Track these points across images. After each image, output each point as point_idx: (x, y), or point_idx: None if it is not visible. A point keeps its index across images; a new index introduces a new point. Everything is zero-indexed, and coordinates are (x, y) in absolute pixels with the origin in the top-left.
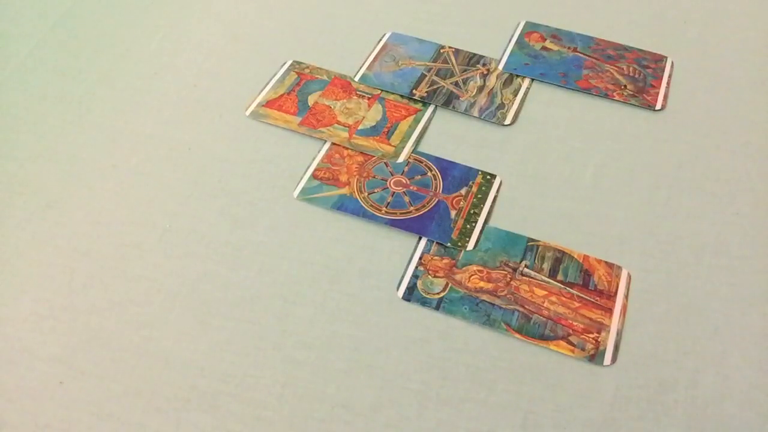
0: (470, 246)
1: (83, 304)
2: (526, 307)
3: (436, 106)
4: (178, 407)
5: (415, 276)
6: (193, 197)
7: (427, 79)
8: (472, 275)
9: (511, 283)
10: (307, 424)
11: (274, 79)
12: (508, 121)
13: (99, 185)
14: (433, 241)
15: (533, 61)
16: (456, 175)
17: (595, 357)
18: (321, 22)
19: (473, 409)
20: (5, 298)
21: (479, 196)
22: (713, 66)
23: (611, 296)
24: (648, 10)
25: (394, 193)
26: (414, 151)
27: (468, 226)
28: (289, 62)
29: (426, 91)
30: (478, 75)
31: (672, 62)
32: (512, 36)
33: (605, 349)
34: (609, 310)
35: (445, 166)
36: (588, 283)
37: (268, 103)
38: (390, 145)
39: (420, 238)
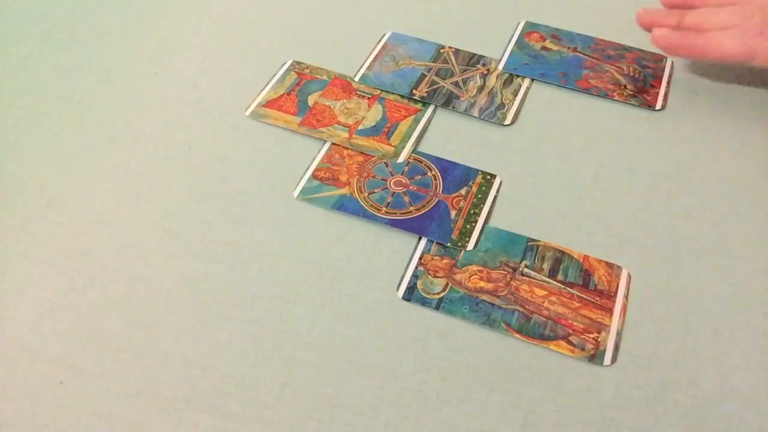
0: (470, 246)
1: (83, 304)
2: (526, 307)
3: (436, 106)
4: (178, 407)
5: (415, 276)
6: (193, 197)
7: (427, 79)
8: (472, 275)
9: (511, 283)
10: (307, 424)
11: (274, 79)
12: (508, 121)
13: (99, 185)
14: (433, 241)
15: (533, 61)
16: (456, 175)
17: (595, 357)
18: (321, 22)
19: (473, 409)
20: (5, 298)
21: (479, 196)
22: (713, 66)
23: (611, 296)
24: None
25: (394, 193)
26: (414, 151)
27: (468, 226)
28: (289, 62)
29: (426, 91)
30: (478, 75)
31: (672, 62)
32: (512, 36)
33: (605, 349)
34: (609, 310)
35: (445, 166)
36: (588, 283)
37: (268, 103)
38: (390, 145)
39: (420, 238)
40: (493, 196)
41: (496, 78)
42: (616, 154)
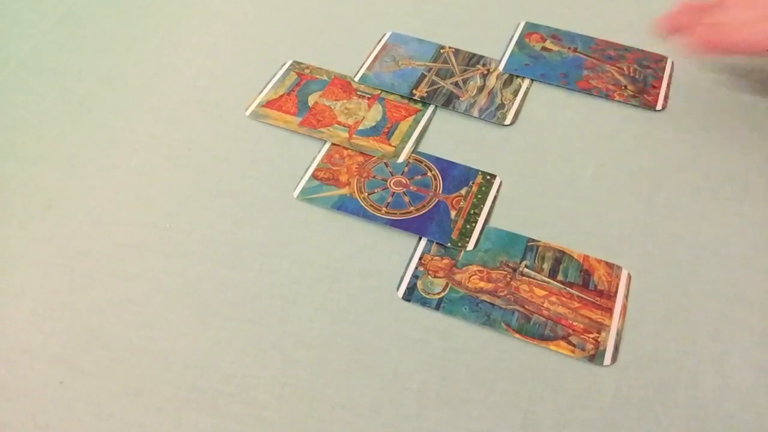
0: (470, 246)
1: (83, 304)
2: (526, 307)
3: (436, 106)
4: (178, 407)
5: (415, 276)
6: (193, 197)
7: (427, 79)
8: (472, 275)
9: (511, 283)
10: (307, 424)
11: (274, 79)
12: (508, 122)
13: (99, 185)
14: (433, 241)
15: (533, 62)
16: (456, 175)
17: (595, 357)
18: (321, 22)
19: (473, 409)
20: (5, 298)
21: (479, 196)
22: (713, 66)
23: (611, 296)
24: (648, 10)
25: (394, 193)
26: (414, 151)
27: (468, 226)
28: (289, 62)
29: (426, 92)
30: (478, 75)
31: (672, 62)
32: (512, 36)
33: (605, 349)
34: (609, 310)
35: (445, 166)
36: (588, 283)
37: (268, 104)
38: (390, 145)
39: (420, 238)
40: (493, 196)
41: (496, 78)
42: (616, 155)
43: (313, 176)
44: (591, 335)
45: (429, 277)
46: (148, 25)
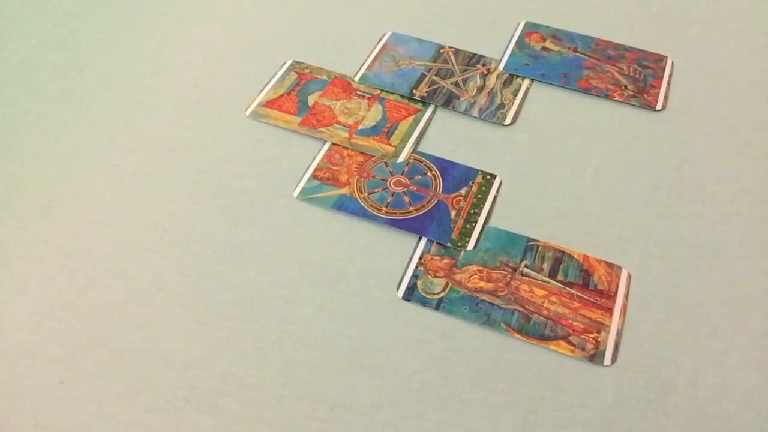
0: (470, 246)
1: (83, 304)
2: (526, 307)
3: (436, 106)
4: (178, 407)
5: (415, 276)
6: (193, 197)
7: (427, 79)
8: (472, 275)
9: (511, 283)
10: (307, 424)
11: (274, 79)
12: (508, 121)
13: (99, 185)
14: (433, 241)
15: (533, 62)
16: (456, 175)
17: (595, 357)
18: (321, 22)
19: (473, 409)
20: (5, 298)
21: (479, 196)
22: (713, 66)
23: (611, 296)
24: (648, 10)
25: (394, 193)
26: (414, 151)
27: (468, 226)
28: (289, 62)
29: (426, 91)
30: (478, 75)
31: (672, 62)
32: (512, 36)
33: (605, 349)
34: (609, 310)
35: (445, 166)
36: (588, 283)
37: (268, 103)
38: (390, 145)
39: (420, 238)
40: (493, 196)
41: (496, 78)
42: (616, 154)
43: (313, 176)
44: (591, 335)
45: (429, 277)
46: (148, 25)
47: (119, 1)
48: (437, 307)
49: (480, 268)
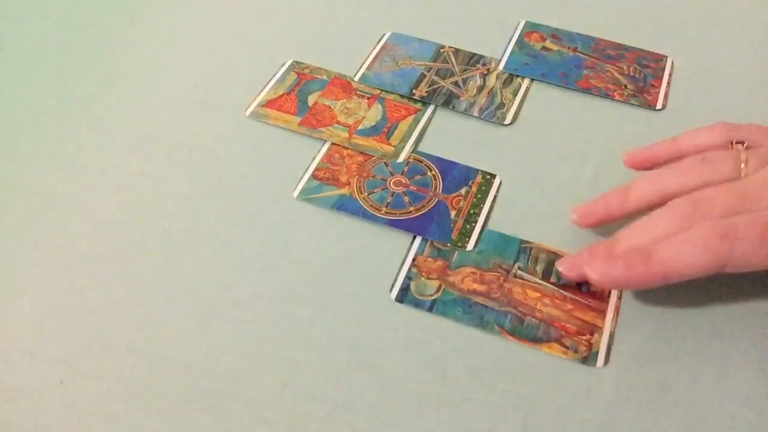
0: (470, 246)
1: (83, 304)
2: (519, 309)
3: (436, 105)
4: (178, 407)
5: (408, 278)
6: (193, 197)
7: (427, 78)
8: (466, 277)
9: (504, 285)
10: (307, 424)
11: (274, 79)
12: (508, 121)
13: (99, 185)
14: (426, 243)
15: (533, 61)
16: (456, 174)
17: (588, 359)
18: (321, 22)
19: (473, 409)
20: (5, 298)
21: (479, 196)
22: (713, 66)
23: (604, 298)
24: (648, 9)
25: (393, 193)
26: (414, 150)
27: (468, 226)
28: (289, 62)
29: (426, 91)
30: (478, 75)
31: (672, 62)
32: (512, 36)
33: (598, 351)
34: (602, 312)
35: (445, 166)
36: (581, 285)
37: (268, 103)
38: (390, 145)
39: (414, 239)
40: (492, 196)
41: (496, 78)
42: (616, 154)
43: (313, 176)
44: (584, 337)
45: (422, 278)
46: (148, 25)
47: (119, 1)
48: (430, 309)
49: (473, 270)
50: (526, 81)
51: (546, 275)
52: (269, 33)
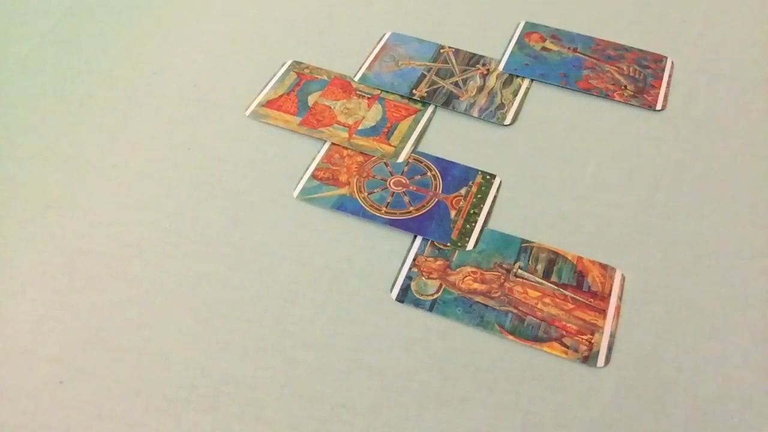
0: (470, 246)
1: (83, 304)
2: (520, 308)
3: (436, 106)
4: (178, 407)
5: (408, 277)
6: (193, 197)
7: (427, 79)
8: (466, 276)
9: (505, 284)
10: (307, 424)
11: (274, 79)
12: (508, 122)
13: (99, 185)
14: (426, 242)
15: (533, 62)
16: (456, 175)
17: (589, 359)
18: (321, 22)
19: (473, 410)
20: (5, 298)
21: (479, 196)
22: (713, 66)
23: (605, 298)
24: (648, 10)
25: (393, 193)
26: (414, 151)
27: (468, 226)
28: (289, 62)
29: (426, 91)
30: (478, 75)
31: (672, 62)
32: (512, 36)
33: (598, 351)
34: (603, 312)
35: (445, 166)
36: (582, 284)
37: (268, 103)
38: (390, 145)
39: (414, 239)
40: (492, 196)
41: (496, 78)
42: (616, 155)
43: (313, 176)
44: (584, 337)
45: (423, 278)
46: (148, 25)
47: (119, 0)
48: (431, 309)
49: (474, 269)
50: (526, 81)
51: (547, 275)
52: (269, 33)
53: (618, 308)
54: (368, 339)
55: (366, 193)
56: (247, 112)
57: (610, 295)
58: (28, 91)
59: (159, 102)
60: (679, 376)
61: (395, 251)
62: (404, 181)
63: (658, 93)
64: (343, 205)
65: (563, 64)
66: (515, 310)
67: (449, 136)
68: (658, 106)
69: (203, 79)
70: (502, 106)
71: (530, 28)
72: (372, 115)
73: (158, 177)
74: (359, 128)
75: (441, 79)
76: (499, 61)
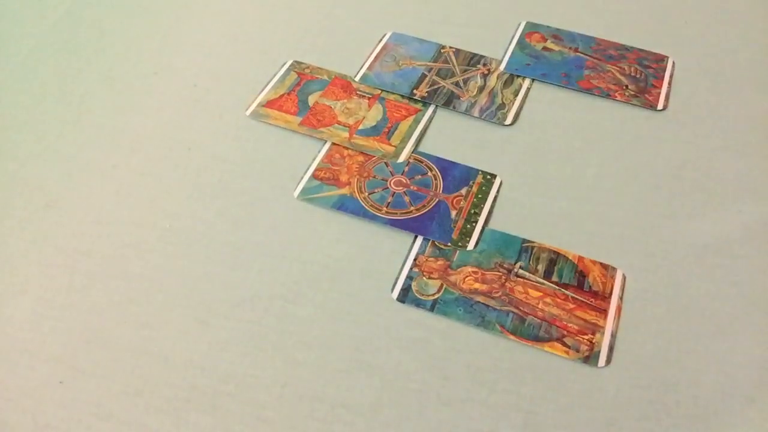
0: (470, 246)
1: (83, 304)
2: (521, 308)
3: (437, 106)
4: (178, 407)
5: (409, 277)
6: (193, 197)
7: (427, 79)
8: (467, 276)
9: (506, 284)
10: (307, 424)
11: (274, 79)
12: (508, 121)
13: (99, 185)
14: (427, 242)
15: (534, 62)
16: (456, 175)
17: (590, 359)
18: (321, 22)
19: (473, 410)
20: (5, 298)
21: (479, 196)
22: (714, 66)
23: (606, 297)
24: (649, 10)
25: (394, 193)
26: (414, 151)
27: (468, 226)
28: (289, 62)
29: (426, 91)
30: (478, 75)
31: (673, 62)
32: (513, 36)
33: (600, 351)
34: (604, 312)
35: (446, 166)
36: (583, 284)
37: (269, 103)
38: (390, 145)
39: (415, 239)
40: (493, 196)
41: (497, 78)
42: (617, 154)
43: (314, 176)
44: (585, 336)
45: (424, 278)
46: (148, 25)
47: (119, 0)
48: (432, 309)
49: (475, 269)
50: (527, 81)
51: (548, 274)
52: (269, 33)
53: (619, 308)
54: (369, 339)
55: (366, 193)
56: (248, 112)
57: (611, 294)
58: (28, 91)
59: (159, 102)
60: (680, 375)
61: (396, 251)
62: (405, 181)
63: (660, 93)
64: (344, 205)
65: (564, 64)
66: (516, 310)
67: (450, 136)
68: (660, 106)
69: (203, 79)
70: (502, 106)
71: (531, 28)
72: (372, 115)
73: (158, 177)
74: (360, 128)
75: (442, 79)
76: (500, 61)
